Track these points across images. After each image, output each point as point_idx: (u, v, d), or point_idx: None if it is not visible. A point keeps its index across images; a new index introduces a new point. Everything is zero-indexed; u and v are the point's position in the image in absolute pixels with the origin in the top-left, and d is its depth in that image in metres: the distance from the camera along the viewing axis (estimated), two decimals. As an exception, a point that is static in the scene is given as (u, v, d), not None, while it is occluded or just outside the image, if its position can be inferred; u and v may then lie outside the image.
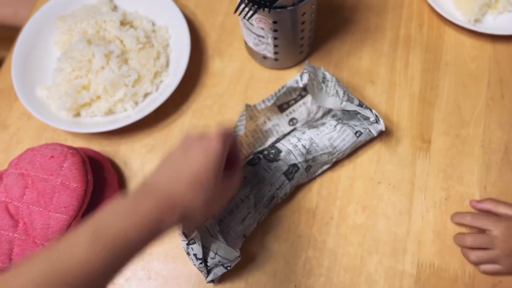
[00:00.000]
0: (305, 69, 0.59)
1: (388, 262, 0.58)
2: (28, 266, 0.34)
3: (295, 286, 0.57)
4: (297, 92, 0.64)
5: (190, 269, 0.59)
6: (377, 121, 0.60)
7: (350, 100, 0.59)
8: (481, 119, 0.65)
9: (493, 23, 0.70)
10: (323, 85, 0.59)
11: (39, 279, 0.33)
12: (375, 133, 0.60)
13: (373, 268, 0.58)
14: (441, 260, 0.58)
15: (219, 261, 0.53)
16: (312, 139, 0.59)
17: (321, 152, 0.59)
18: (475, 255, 0.55)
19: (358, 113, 0.60)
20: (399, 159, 0.64)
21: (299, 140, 0.59)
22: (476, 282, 0.56)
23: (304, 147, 0.59)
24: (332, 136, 0.60)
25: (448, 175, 0.62)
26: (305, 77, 0.58)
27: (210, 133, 0.44)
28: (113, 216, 0.36)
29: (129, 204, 0.37)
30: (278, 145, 0.60)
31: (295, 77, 0.61)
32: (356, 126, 0.61)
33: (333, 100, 0.58)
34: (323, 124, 0.61)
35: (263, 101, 0.61)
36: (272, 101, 0.61)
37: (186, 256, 0.60)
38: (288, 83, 0.61)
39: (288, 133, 0.62)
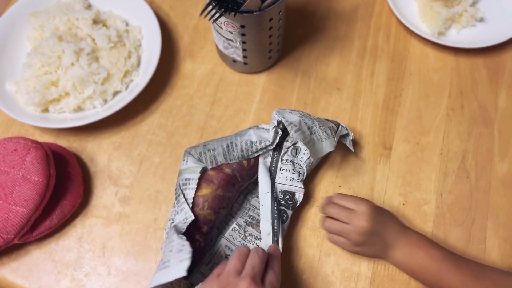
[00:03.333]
0: (278, 124, 0.59)
1: (345, 264, 0.60)
2: None
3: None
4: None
5: (150, 266, 0.60)
6: (348, 134, 0.62)
7: (332, 130, 0.60)
8: (441, 128, 0.68)
9: (456, 37, 0.73)
10: (313, 136, 0.59)
11: None
12: (351, 148, 0.62)
13: (330, 270, 0.59)
14: (396, 263, 0.59)
15: None
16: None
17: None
18: (329, 221, 0.57)
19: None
20: (360, 164, 0.65)
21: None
22: (428, 285, 0.58)
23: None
24: (310, 161, 0.61)
25: (406, 181, 0.64)
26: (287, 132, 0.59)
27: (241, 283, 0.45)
28: None
29: None
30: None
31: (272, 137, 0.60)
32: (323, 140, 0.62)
33: (328, 143, 0.59)
34: (299, 149, 0.61)
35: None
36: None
37: (147, 253, 0.61)
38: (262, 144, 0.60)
39: (276, 166, 0.62)
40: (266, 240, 0.57)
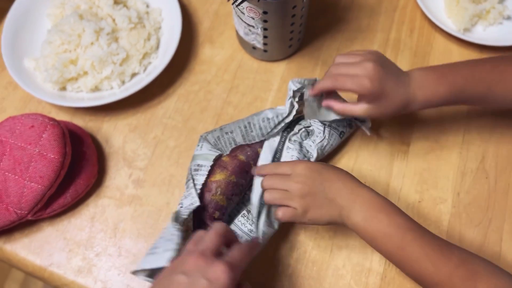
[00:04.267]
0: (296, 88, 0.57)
1: (357, 258, 0.59)
2: None
3: (263, 275, 0.58)
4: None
5: (161, 249, 0.60)
6: (365, 121, 0.61)
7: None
8: (462, 127, 0.66)
9: (483, 34, 0.71)
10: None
11: None
12: (368, 132, 0.61)
13: (341, 263, 0.59)
14: (408, 261, 0.58)
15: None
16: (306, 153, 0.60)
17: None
18: (269, 192, 0.52)
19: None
20: (377, 159, 0.64)
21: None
22: None
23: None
24: (322, 144, 0.60)
25: (423, 178, 0.63)
26: (304, 94, 0.56)
27: (216, 264, 0.41)
28: None
29: None
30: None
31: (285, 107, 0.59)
32: (339, 126, 0.61)
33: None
34: (312, 131, 0.60)
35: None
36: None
37: (158, 236, 0.61)
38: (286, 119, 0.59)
39: (283, 145, 0.60)
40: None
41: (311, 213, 0.50)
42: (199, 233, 0.46)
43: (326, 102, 0.55)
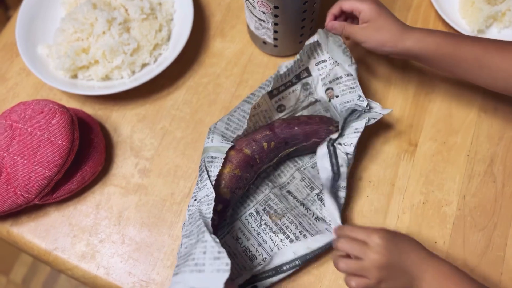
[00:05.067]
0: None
1: (358, 257, 0.59)
2: None
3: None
4: (291, 76, 0.64)
5: (163, 239, 0.60)
6: (370, 107, 0.61)
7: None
8: (471, 129, 0.65)
9: (497, 36, 0.70)
10: (342, 42, 0.60)
11: None
12: (382, 111, 0.60)
13: (342, 261, 0.59)
14: (410, 262, 0.58)
15: None
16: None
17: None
18: (345, 262, 0.51)
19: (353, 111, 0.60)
20: (383, 158, 0.64)
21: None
22: None
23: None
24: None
25: (429, 180, 0.63)
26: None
27: None
28: None
29: None
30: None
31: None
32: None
33: (344, 58, 0.61)
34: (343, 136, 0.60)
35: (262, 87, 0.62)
36: (270, 86, 0.61)
37: (161, 225, 0.61)
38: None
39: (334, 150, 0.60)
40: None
41: (385, 285, 0.50)
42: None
43: (330, 24, 0.60)
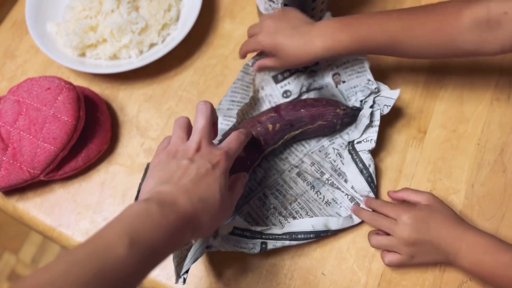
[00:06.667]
0: None
1: (361, 242, 0.58)
2: (70, 267, 0.34)
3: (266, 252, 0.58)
4: None
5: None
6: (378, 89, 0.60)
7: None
8: (482, 118, 0.64)
9: None
10: None
11: (85, 278, 0.33)
12: (390, 101, 0.59)
13: (345, 246, 0.58)
14: (414, 249, 0.57)
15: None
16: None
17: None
18: (375, 238, 0.54)
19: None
20: (391, 144, 0.63)
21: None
22: (446, 274, 0.56)
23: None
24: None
25: (437, 167, 0.62)
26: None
27: (216, 151, 0.46)
28: (147, 227, 0.38)
29: (159, 217, 0.39)
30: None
31: None
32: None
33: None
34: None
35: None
36: None
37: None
38: None
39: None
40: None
41: (417, 259, 0.52)
42: (181, 120, 0.49)
43: (257, 63, 0.60)
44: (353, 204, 0.58)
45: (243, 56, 0.61)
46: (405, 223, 0.51)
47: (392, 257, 0.53)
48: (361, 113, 0.59)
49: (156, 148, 0.49)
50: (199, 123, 0.47)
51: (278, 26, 0.56)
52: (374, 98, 0.59)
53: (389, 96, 0.58)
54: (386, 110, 0.58)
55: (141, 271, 0.37)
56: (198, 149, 0.45)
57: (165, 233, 0.39)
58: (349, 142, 0.60)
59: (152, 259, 0.38)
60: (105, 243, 0.36)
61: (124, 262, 0.35)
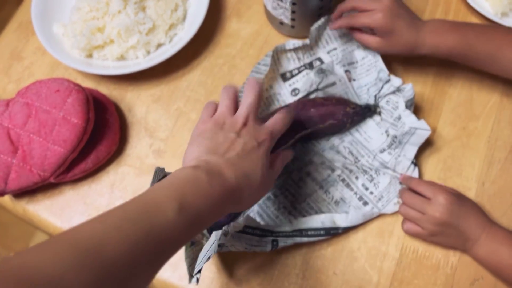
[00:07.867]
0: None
1: (373, 242, 0.58)
2: (122, 222, 0.35)
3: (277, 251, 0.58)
4: (302, 62, 0.63)
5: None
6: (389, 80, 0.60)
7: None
8: (492, 115, 0.64)
9: (522, 19, 0.68)
10: None
11: (136, 235, 0.34)
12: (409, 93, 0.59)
13: (357, 246, 0.58)
14: (426, 248, 0.57)
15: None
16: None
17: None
18: (404, 207, 0.56)
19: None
20: (400, 143, 0.63)
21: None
22: (458, 273, 0.56)
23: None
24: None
25: (447, 165, 0.61)
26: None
27: (263, 129, 0.47)
28: (195, 195, 0.40)
29: (207, 187, 0.40)
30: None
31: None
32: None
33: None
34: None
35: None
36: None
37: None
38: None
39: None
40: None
41: (436, 238, 0.55)
42: (230, 89, 0.49)
43: (355, 34, 0.60)
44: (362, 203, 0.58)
45: (337, 16, 0.60)
46: (440, 203, 0.53)
47: (411, 226, 0.56)
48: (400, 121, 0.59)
49: (201, 112, 0.50)
50: (249, 98, 0.48)
51: (400, 11, 0.56)
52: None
53: (406, 88, 0.59)
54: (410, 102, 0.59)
55: (185, 236, 0.39)
56: (245, 123, 0.46)
57: (211, 203, 0.40)
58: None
59: (196, 227, 0.40)
60: (156, 204, 0.37)
61: (172, 225, 0.37)
